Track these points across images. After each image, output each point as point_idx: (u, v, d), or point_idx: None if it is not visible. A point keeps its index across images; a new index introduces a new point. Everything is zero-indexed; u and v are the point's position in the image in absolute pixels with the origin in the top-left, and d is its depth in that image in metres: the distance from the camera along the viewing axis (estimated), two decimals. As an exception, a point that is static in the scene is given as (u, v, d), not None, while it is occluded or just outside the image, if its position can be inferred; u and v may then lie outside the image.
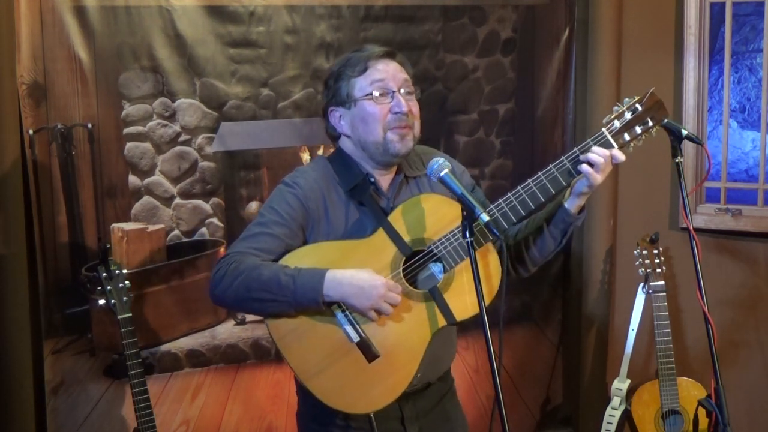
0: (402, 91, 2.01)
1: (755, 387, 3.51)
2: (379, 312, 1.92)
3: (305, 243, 2.02)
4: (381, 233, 1.98)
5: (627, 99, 1.94)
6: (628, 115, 1.92)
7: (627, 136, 1.92)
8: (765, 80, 3.51)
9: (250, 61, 3.09)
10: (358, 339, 1.93)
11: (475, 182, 2.22)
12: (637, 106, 1.92)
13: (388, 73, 2.01)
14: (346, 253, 1.96)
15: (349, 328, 1.94)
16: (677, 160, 1.96)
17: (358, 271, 1.92)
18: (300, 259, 1.96)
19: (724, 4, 3.46)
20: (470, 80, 3.44)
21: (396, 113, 1.99)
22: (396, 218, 1.99)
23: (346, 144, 2.10)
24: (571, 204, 1.97)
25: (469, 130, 3.46)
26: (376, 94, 2.00)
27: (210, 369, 3.16)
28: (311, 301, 1.90)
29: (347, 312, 1.94)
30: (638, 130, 1.92)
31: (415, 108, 2.04)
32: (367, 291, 1.89)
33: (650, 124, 1.92)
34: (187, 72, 3.02)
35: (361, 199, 2.03)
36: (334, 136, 2.12)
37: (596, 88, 3.52)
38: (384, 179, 2.08)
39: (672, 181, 3.55)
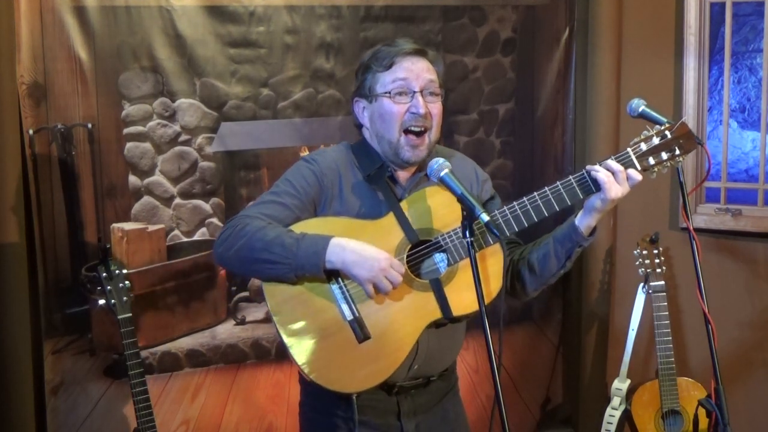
0: (424, 92, 2.01)
1: (756, 386, 3.51)
2: (377, 287, 1.91)
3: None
4: (390, 217, 1.98)
5: (657, 126, 1.94)
6: (656, 140, 1.92)
7: (652, 160, 1.92)
8: (765, 80, 3.51)
9: (250, 61, 3.09)
10: (352, 317, 1.93)
11: (495, 192, 2.20)
12: (667, 132, 1.92)
13: (413, 72, 2.01)
14: (353, 231, 1.96)
15: (344, 306, 1.93)
16: (680, 159, 1.96)
17: (364, 243, 1.91)
18: (306, 230, 1.96)
19: (724, 4, 3.46)
20: (470, 80, 3.44)
21: (413, 113, 1.99)
22: (408, 205, 1.99)
23: (368, 135, 2.11)
24: (582, 221, 1.96)
25: (469, 130, 3.46)
26: (396, 92, 2.00)
27: (210, 369, 3.16)
28: (313, 266, 1.89)
29: (345, 288, 1.94)
30: (664, 156, 1.92)
31: (436, 110, 2.03)
32: (369, 262, 1.88)
33: (677, 152, 1.93)
34: (187, 72, 3.02)
35: (377, 185, 2.03)
36: (358, 126, 2.13)
37: (596, 88, 3.52)
38: (403, 172, 2.09)
39: (672, 181, 3.55)
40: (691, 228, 1.95)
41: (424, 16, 3.32)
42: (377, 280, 1.89)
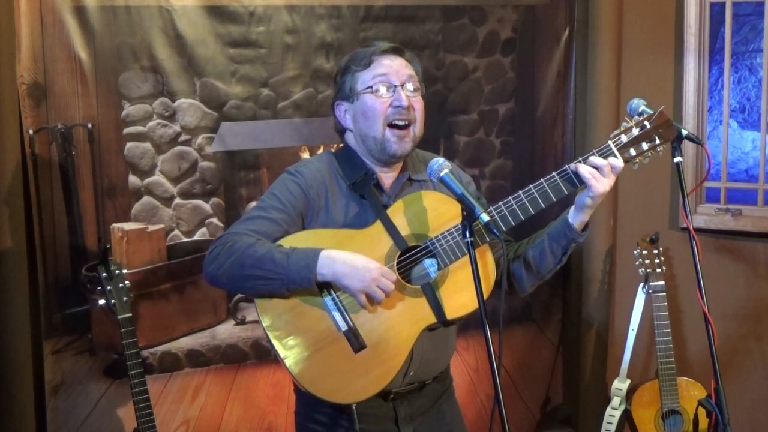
0: (405, 86, 2.02)
1: (756, 385, 3.51)
2: (369, 297, 1.90)
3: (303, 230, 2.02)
4: (378, 225, 1.98)
5: (636, 117, 1.95)
6: (635, 131, 1.93)
7: (633, 151, 1.93)
8: (765, 80, 3.51)
9: (250, 61, 3.09)
10: (346, 328, 1.93)
11: (480, 194, 2.20)
12: (646, 123, 1.93)
13: (392, 68, 2.02)
14: (342, 241, 1.96)
15: (337, 316, 1.93)
16: (677, 160, 1.96)
17: (354, 254, 1.91)
18: (295, 244, 1.95)
19: (724, 4, 3.46)
20: (470, 80, 3.44)
21: (396, 107, 2.00)
22: (395, 212, 1.99)
23: (350, 139, 2.11)
24: (575, 218, 1.97)
25: (469, 130, 3.46)
26: (377, 87, 2.01)
27: (210, 369, 3.16)
28: (304, 279, 1.89)
29: (337, 299, 1.94)
30: (645, 146, 1.94)
31: (418, 105, 2.04)
32: (361, 272, 1.88)
33: (657, 141, 1.94)
34: (187, 72, 3.02)
35: (362, 193, 2.03)
36: (340, 131, 2.13)
37: (596, 88, 3.52)
38: (387, 177, 2.09)
39: (672, 181, 3.55)
40: (691, 228, 1.94)
41: (424, 16, 3.32)
42: (369, 290, 1.89)
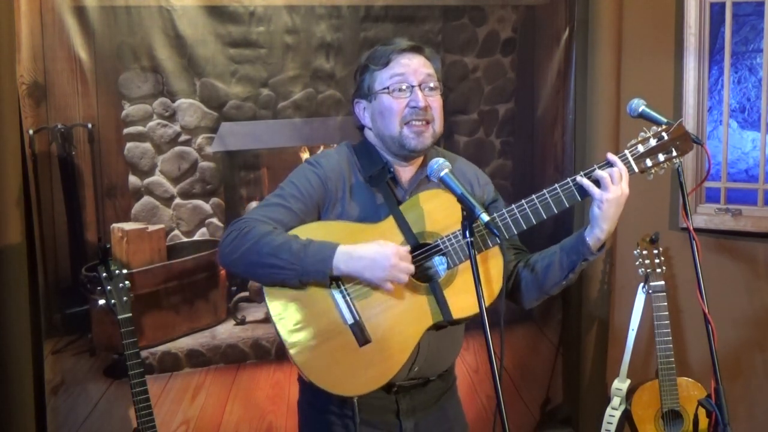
0: (423, 86, 2.02)
1: (756, 385, 3.51)
2: (395, 282, 1.90)
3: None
4: (390, 220, 1.99)
5: (654, 128, 1.96)
6: (653, 142, 1.94)
7: (649, 162, 1.94)
8: (765, 80, 3.51)
9: (250, 61, 3.09)
10: (353, 321, 1.93)
11: (499, 195, 2.19)
12: (663, 134, 1.94)
13: (410, 67, 2.02)
14: (353, 234, 1.96)
15: (345, 309, 1.94)
16: (677, 160, 1.96)
17: (366, 245, 1.91)
18: (306, 234, 1.96)
19: (724, 4, 3.46)
20: (470, 80, 3.44)
21: (413, 107, 2.00)
22: (408, 208, 2.00)
23: (369, 135, 2.12)
24: (590, 234, 1.95)
25: (469, 130, 3.46)
26: (394, 88, 2.01)
27: (210, 369, 3.16)
28: (319, 272, 1.89)
29: (346, 292, 1.94)
30: (661, 157, 1.94)
31: (436, 104, 2.05)
32: (380, 262, 1.88)
33: (674, 153, 1.94)
34: (187, 72, 3.02)
35: (378, 187, 2.04)
36: (360, 127, 2.14)
37: (596, 88, 3.52)
38: (405, 172, 2.10)
39: (672, 181, 3.55)
40: (691, 228, 1.95)
41: (424, 16, 3.32)
42: (393, 276, 1.89)
